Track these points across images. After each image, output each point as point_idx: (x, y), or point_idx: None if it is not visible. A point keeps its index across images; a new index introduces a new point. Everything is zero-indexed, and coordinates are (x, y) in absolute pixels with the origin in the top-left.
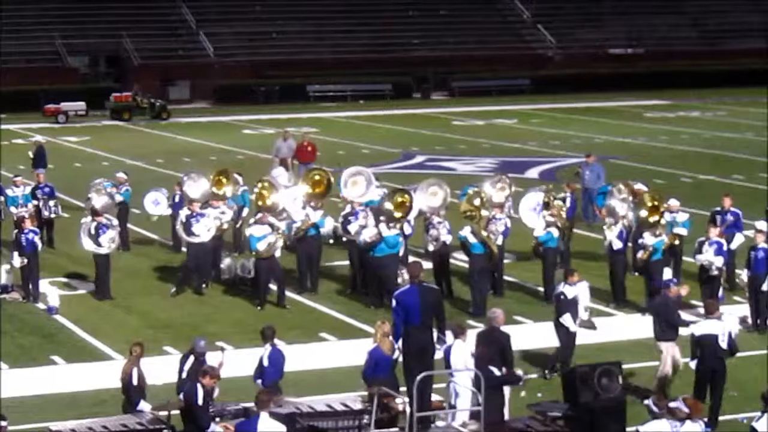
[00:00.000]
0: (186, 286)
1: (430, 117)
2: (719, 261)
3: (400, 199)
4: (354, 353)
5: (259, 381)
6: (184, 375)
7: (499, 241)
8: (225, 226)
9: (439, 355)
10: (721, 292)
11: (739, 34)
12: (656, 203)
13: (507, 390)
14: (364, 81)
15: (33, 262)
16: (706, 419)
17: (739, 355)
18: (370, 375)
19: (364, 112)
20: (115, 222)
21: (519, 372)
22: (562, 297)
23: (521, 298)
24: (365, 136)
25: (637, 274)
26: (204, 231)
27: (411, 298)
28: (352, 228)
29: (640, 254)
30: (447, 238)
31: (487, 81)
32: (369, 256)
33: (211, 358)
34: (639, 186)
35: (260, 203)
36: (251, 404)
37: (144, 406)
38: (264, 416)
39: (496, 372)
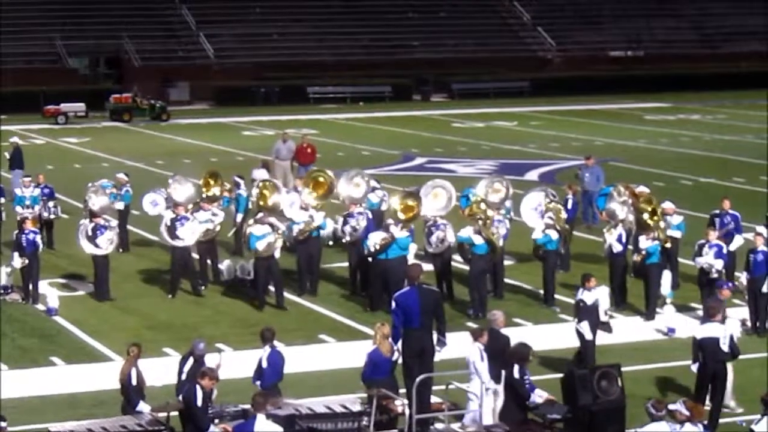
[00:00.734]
0: (179, 287)
1: (430, 119)
2: (719, 264)
3: (410, 203)
4: (353, 355)
5: (258, 382)
6: (183, 377)
7: (500, 242)
8: (217, 228)
9: (438, 356)
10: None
11: (739, 37)
12: (653, 207)
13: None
14: (364, 83)
15: (33, 262)
16: (705, 422)
17: (741, 357)
18: (370, 377)
19: (363, 114)
20: (113, 223)
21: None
22: (581, 304)
23: (521, 300)
24: (365, 138)
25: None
26: (188, 234)
27: (410, 299)
28: (346, 229)
29: (635, 257)
30: (452, 240)
31: (486, 83)
32: (377, 259)
33: (209, 360)
34: (641, 189)
35: (261, 203)
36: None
37: (143, 407)
38: (260, 418)
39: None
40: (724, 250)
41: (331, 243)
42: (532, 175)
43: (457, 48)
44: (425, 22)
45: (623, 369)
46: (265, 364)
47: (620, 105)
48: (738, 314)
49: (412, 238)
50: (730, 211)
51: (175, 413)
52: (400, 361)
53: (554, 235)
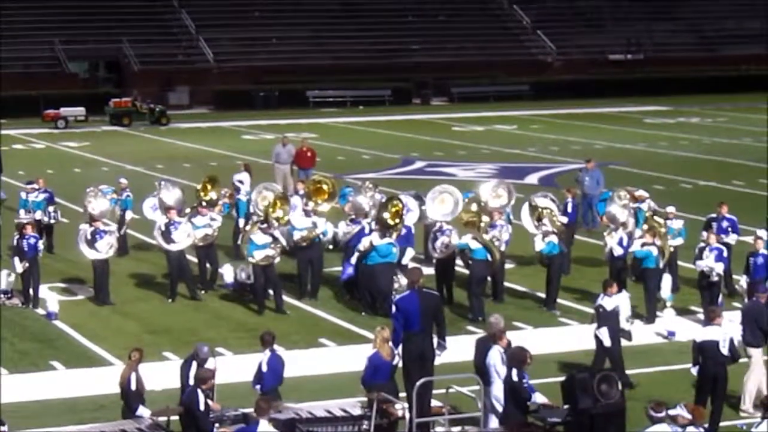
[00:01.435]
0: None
1: (430, 123)
2: (720, 267)
3: (394, 208)
4: (354, 359)
5: (258, 387)
6: (191, 381)
7: (502, 248)
8: (215, 233)
9: (439, 360)
10: (720, 298)
11: (738, 40)
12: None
13: None
14: (364, 86)
15: (34, 267)
16: (707, 425)
17: (742, 361)
18: (370, 381)
19: (363, 118)
20: (113, 227)
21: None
22: (600, 310)
23: (521, 304)
24: (365, 142)
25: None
26: (183, 238)
27: (411, 303)
28: (339, 231)
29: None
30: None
31: (486, 87)
32: (362, 266)
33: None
34: (640, 192)
35: (271, 211)
36: (251, 410)
37: (143, 411)
38: (263, 423)
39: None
40: (725, 254)
41: (331, 247)
42: (532, 179)
43: (457, 52)
44: (425, 25)
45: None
46: (265, 368)
47: (620, 108)
48: (738, 318)
49: (411, 242)
50: (727, 215)
51: (175, 417)
52: (400, 365)
53: (555, 240)
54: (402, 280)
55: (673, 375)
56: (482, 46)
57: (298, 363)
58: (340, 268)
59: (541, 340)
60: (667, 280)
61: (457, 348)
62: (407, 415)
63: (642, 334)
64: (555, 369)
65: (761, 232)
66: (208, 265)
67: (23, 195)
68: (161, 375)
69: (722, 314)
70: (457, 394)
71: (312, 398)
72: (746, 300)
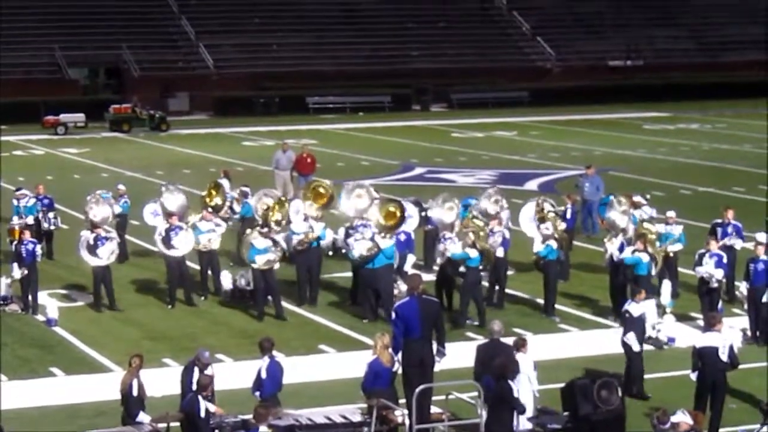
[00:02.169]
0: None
1: (430, 129)
2: (719, 273)
3: (391, 209)
4: (353, 365)
5: (258, 393)
6: (194, 387)
7: (500, 253)
8: (219, 238)
9: (438, 367)
10: (720, 304)
11: (738, 46)
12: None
13: None
14: (364, 93)
15: (32, 273)
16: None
17: (741, 367)
18: (370, 387)
19: (363, 124)
20: (114, 234)
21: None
22: (627, 315)
23: (521, 310)
24: (364, 148)
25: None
26: (183, 244)
27: (410, 310)
28: (350, 241)
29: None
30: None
31: (486, 93)
32: (365, 270)
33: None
34: (637, 198)
35: (270, 215)
36: (250, 416)
37: (143, 417)
38: (262, 430)
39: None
40: (724, 260)
41: (330, 253)
42: (532, 185)
43: (457, 58)
44: (424, 32)
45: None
46: (264, 375)
47: (620, 114)
48: (738, 324)
49: (411, 248)
50: (733, 221)
51: (175, 423)
52: (400, 371)
53: (554, 244)
54: (402, 287)
55: (673, 381)
56: (482, 53)
57: (298, 369)
58: (339, 274)
59: (541, 347)
60: (666, 286)
61: (457, 354)
62: (407, 422)
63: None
64: (555, 375)
65: (761, 237)
66: (209, 272)
67: (14, 202)
68: (161, 381)
69: (722, 320)
70: (456, 400)
71: (311, 405)
72: (746, 306)
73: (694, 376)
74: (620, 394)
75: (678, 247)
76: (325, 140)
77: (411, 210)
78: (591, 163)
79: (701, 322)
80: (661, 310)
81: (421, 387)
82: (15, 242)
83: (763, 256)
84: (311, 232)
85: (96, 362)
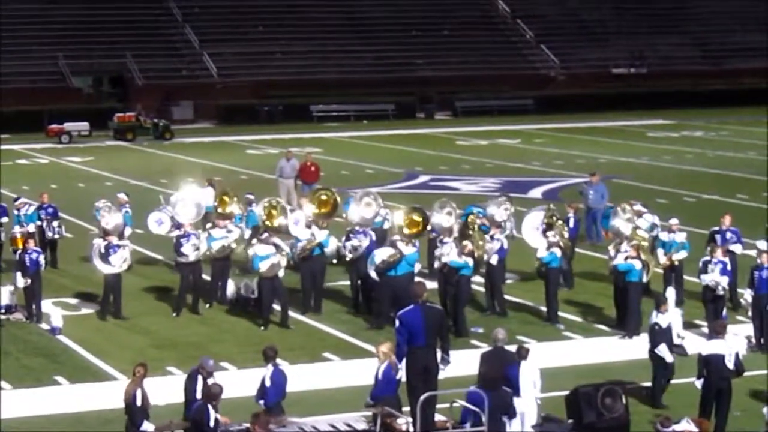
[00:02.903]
0: (184, 304)
1: (434, 137)
2: (725, 281)
3: (415, 218)
4: (357, 373)
5: (262, 401)
6: (198, 395)
7: (494, 261)
8: (233, 245)
9: (442, 374)
10: (724, 311)
11: (742, 54)
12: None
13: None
14: (368, 101)
15: (36, 281)
16: None
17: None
18: (381, 394)
19: (367, 132)
20: (127, 242)
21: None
22: (656, 327)
23: (524, 318)
24: (369, 156)
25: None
26: (191, 251)
27: (415, 318)
28: (347, 246)
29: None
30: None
31: (490, 101)
32: (386, 276)
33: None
34: (638, 207)
35: (268, 223)
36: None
37: (147, 426)
38: None
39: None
40: (729, 267)
41: (335, 261)
42: (536, 193)
43: (461, 66)
44: (429, 40)
45: (627, 386)
46: (268, 383)
47: (624, 122)
48: (742, 331)
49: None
50: (731, 228)
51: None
52: (403, 379)
53: (558, 252)
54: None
55: (678, 388)
56: (486, 61)
57: (302, 377)
58: (343, 282)
59: (545, 354)
60: (671, 294)
61: (461, 362)
62: (411, 430)
63: (646, 348)
64: (559, 383)
65: (761, 244)
66: (220, 282)
67: (15, 212)
68: (166, 390)
69: (727, 328)
70: (460, 408)
71: (316, 412)
72: (750, 314)
73: (699, 384)
74: (624, 401)
75: (683, 254)
76: (329, 148)
77: None
78: (595, 170)
79: (706, 329)
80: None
81: (426, 395)
82: (19, 251)
83: (767, 264)
84: (313, 240)
85: (101, 371)
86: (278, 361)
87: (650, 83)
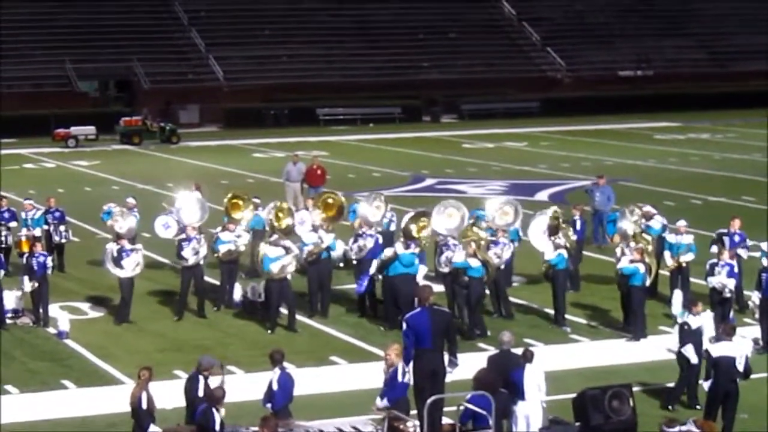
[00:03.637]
0: (185, 309)
1: (440, 140)
2: (732, 283)
3: (422, 223)
4: (364, 377)
5: (269, 405)
6: (200, 393)
7: (502, 266)
8: (242, 248)
9: (450, 377)
10: (731, 314)
11: (748, 56)
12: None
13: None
14: (374, 104)
15: (43, 285)
16: None
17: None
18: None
19: (373, 136)
20: (139, 246)
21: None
22: (685, 327)
23: (531, 321)
24: (375, 160)
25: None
26: (191, 255)
27: (422, 321)
28: (353, 248)
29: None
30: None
31: (496, 104)
32: (384, 276)
33: (213, 381)
34: (647, 208)
35: (276, 225)
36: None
37: (154, 429)
38: None
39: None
40: (736, 269)
41: (341, 264)
42: (543, 196)
43: (467, 69)
44: (435, 43)
45: (635, 389)
46: (275, 387)
47: (630, 125)
48: (750, 333)
49: (423, 259)
50: (738, 231)
51: None
52: (411, 382)
53: (565, 253)
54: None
55: (684, 391)
56: (492, 63)
57: (309, 381)
58: (351, 286)
59: (551, 357)
60: (678, 296)
61: (469, 365)
62: None
63: (653, 351)
64: (566, 386)
65: (764, 245)
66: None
67: (23, 214)
68: (172, 393)
69: (736, 330)
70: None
71: (323, 416)
72: (757, 316)
73: (706, 385)
74: (632, 404)
75: (690, 257)
76: (335, 152)
77: None
78: (602, 173)
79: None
80: (673, 321)
81: (433, 398)
82: (26, 255)
83: None
84: (320, 243)
85: (107, 375)
86: (285, 364)
87: (656, 86)
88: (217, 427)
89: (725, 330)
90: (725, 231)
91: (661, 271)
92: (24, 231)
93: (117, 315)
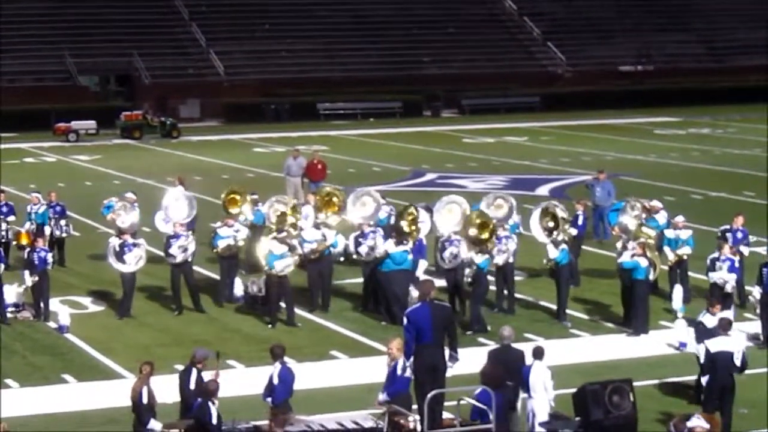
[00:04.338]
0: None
1: (441, 135)
2: (732, 278)
3: (410, 216)
4: (365, 371)
5: (269, 399)
6: (192, 385)
7: (510, 259)
8: (240, 243)
9: (450, 372)
10: (732, 309)
11: (748, 51)
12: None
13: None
14: (374, 99)
15: (44, 280)
16: None
17: (749, 372)
18: (394, 392)
19: (374, 130)
20: (141, 240)
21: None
22: (700, 326)
23: (531, 315)
24: (375, 154)
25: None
26: (178, 252)
27: (422, 315)
28: (362, 249)
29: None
30: (465, 256)
31: (497, 98)
32: (378, 272)
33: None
34: (653, 203)
35: (285, 222)
36: (262, 422)
37: (154, 424)
38: None
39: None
40: (737, 264)
41: (342, 259)
42: (543, 191)
43: (468, 64)
44: (435, 38)
45: (635, 384)
46: (276, 381)
47: (630, 119)
48: (750, 328)
49: (423, 254)
50: (741, 227)
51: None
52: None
53: (566, 248)
54: (414, 293)
55: (685, 386)
56: (492, 58)
57: (310, 375)
58: (351, 281)
59: (552, 352)
60: (678, 291)
61: (469, 360)
62: (419, 427)
63: (653, 346)
64: (566, 381)
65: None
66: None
67: (28, 208)
68: (173, 388)
69: (733, 325)
70: (468, 405)
71: (323, 410)
72: (758, 311)
73: (704, 380)
74: (632, 399)
75: (687, 250)
76: (336, 146)
77: (422, 215)
78: (602, 168)
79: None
80: (673, 315)
81: (433, 392)
82: (27, 249)
83: None
84: (324, 241)
85: (108, 369)
86: (286, 359)
87: (657, 81)
88: (215, 421)
89: (722, 325)
90: (729, 227)
91: (660, 267)
92: (27, 225)
93: (119, 309)
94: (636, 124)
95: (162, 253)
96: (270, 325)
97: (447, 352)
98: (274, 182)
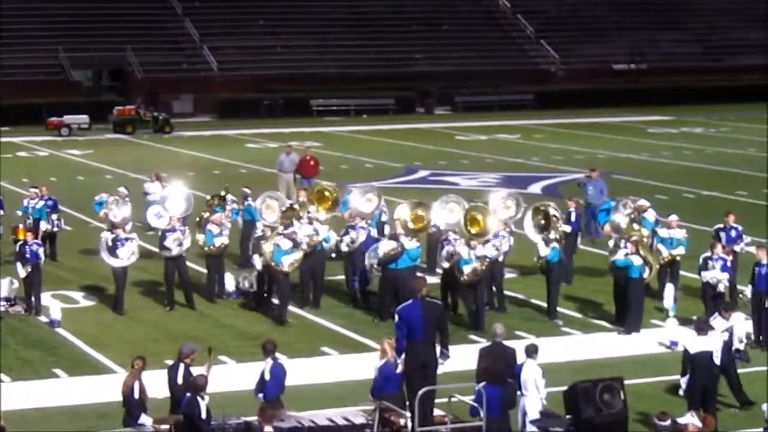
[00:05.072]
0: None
1: (433, 132)
2: (725, 277)
3: (420, 213)
4: (356, 368)
5: (261, 395)
6: (180, 380)
7: (500, 258)
8: (226, 241)
9: (441, 369)
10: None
11: (742, 50)
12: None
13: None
14: (368, 95)
15: (36, 274)
16: None
17: (741, 371)
18: (381, 390)
19: (367, 127)
20: (134, 235)
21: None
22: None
23: (523, 313)
24: (368, 151)
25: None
26: (174, 245)
27: (414, 312)
28: (345, 239)
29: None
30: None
31: (490, 96)
32: (387, 269)
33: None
34: (641, 202)
35: (289, 218)
36: (253, 418)
37: (145, 419)
38: (267, 431)
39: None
40: (729, 263)
41: (333, 255)
42: (536, 188)
43: (461, 61)
44: (428, 35)
45: (626, 382)
46: (267, 377)
47: (623, 118)
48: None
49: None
50: (734, 225)
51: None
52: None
53: (558, 246)
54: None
55: (676, 385)
56: (486, 56)
57: (301, 371)
58: (343, 277)
59: (543, 350)
60: (670, 290)
61: (460, 357)
62: (409, 425)
63: (645, 344)
64: (557, 379)
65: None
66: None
67: (24, 202)
68: (164, 383)
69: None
70: (459, 403)
71: (314, 407)
72: (750, 310)
73: (684, 381)
74: (623, 397)
75: (681, 250)
76: (328, 143)
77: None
78: (595, 166)
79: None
80: (665, 314)
81: (424, 389)
82: (20, 243)
83: (764, 261)
84: (316, 236)
85: (99, 363)
86: (277, 355)
87: (650, 79)
88: (203, 416)
89: (699, 325)
90: (722, 226)
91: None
92: (26, 220)
93: (115, 305)
94: (629, 123)
95: (154, 248)
96: (263, 320)
97: (438, 349)
98: (267, 178)
